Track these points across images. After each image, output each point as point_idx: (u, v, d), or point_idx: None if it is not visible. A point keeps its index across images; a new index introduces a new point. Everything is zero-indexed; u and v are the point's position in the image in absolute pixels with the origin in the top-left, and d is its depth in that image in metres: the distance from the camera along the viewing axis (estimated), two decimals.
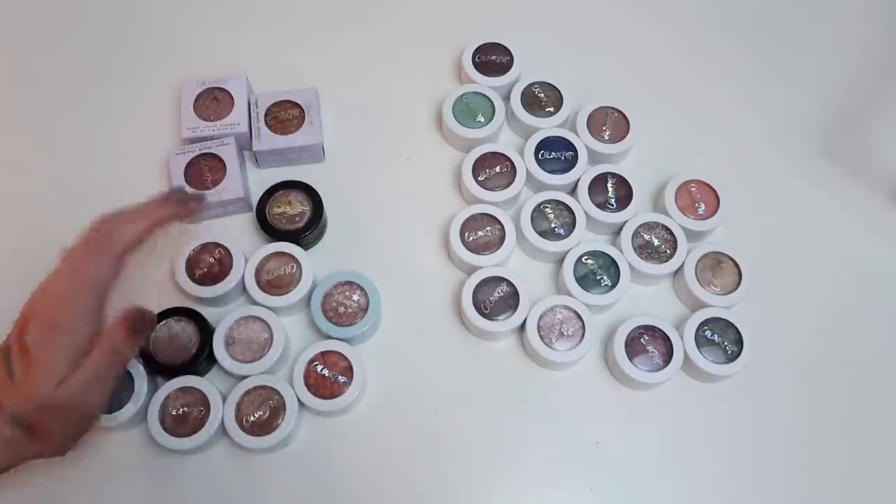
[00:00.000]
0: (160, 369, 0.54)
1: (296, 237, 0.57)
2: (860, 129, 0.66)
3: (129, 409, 0.51)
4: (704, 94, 0.67)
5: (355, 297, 0.56)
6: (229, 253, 0.56)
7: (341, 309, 0.55)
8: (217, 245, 0.57)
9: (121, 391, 0.52)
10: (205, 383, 0.53)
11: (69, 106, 0.64)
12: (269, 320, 0.54)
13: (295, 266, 0.56)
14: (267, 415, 0.52)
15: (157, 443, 0.51)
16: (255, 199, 0.59)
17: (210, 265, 0.56)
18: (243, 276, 0.56)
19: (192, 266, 0.56)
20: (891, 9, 0.71)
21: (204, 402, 0.52)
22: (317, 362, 0.54)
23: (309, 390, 0.53)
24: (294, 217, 0.58)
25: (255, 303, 0.55)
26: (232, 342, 0.54)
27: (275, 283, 0.56)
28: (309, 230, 0.58)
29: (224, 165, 0.59)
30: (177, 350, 0.54)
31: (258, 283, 0.56)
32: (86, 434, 0.46)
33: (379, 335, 0.57)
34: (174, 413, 0.52)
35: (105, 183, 0.61)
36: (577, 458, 0.54)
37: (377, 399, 0.55)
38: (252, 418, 0.52)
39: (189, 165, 0.59)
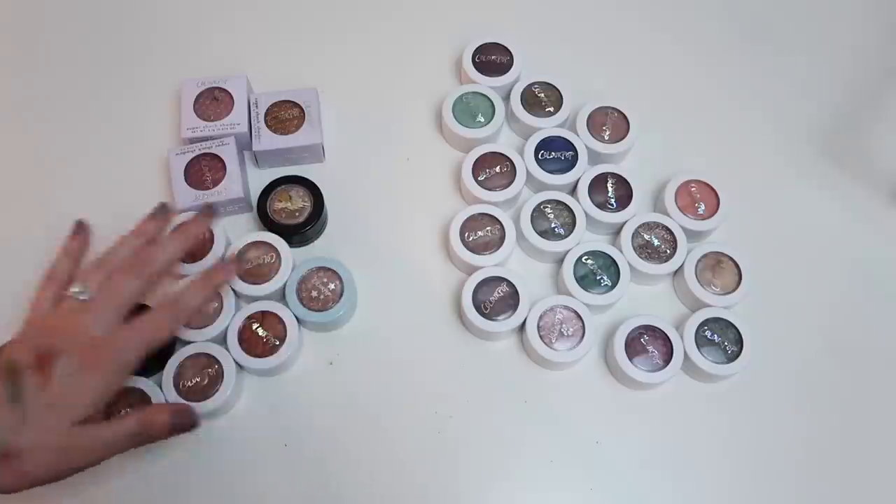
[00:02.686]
0: None
1: (296, 232, 0.57)
2: (860, 129, 0.66)
3: None
4: (704, 94, 0.67)
5: (332, 286, 0.56)
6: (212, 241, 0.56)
7: (315, 293, 0.55)
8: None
9: None
10: (149, 384, 0.52)
11: (69, 106, 0.64)
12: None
13: (274, 256, 0.56)
14: (207, 382, 0.52)
15: None
16: (255, 199, 0.59)
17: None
18: None
19: None
20: (891, 9, 0.71)
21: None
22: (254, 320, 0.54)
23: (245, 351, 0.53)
24: (294, 212, 0.58)
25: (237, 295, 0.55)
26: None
27: (253, 273, 0.56)
28: (309, 225, 0.58)
29: (224, 165, 0.59)
30: None
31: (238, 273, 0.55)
32: (49, 483, 0.42)
33: (379, 335, 0.57)
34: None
35: (105, 183, 0.61)
36: (577, 458, 0.54)
37: (377, 399, 0.55)
38: (190, 383, 0.52)
39: (189, 165, 0.58)
